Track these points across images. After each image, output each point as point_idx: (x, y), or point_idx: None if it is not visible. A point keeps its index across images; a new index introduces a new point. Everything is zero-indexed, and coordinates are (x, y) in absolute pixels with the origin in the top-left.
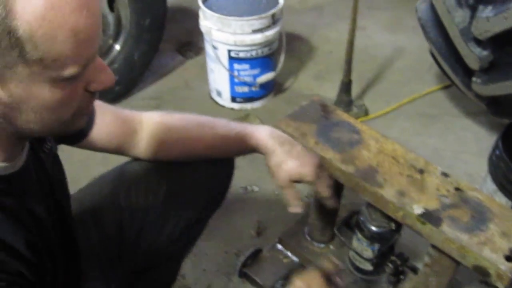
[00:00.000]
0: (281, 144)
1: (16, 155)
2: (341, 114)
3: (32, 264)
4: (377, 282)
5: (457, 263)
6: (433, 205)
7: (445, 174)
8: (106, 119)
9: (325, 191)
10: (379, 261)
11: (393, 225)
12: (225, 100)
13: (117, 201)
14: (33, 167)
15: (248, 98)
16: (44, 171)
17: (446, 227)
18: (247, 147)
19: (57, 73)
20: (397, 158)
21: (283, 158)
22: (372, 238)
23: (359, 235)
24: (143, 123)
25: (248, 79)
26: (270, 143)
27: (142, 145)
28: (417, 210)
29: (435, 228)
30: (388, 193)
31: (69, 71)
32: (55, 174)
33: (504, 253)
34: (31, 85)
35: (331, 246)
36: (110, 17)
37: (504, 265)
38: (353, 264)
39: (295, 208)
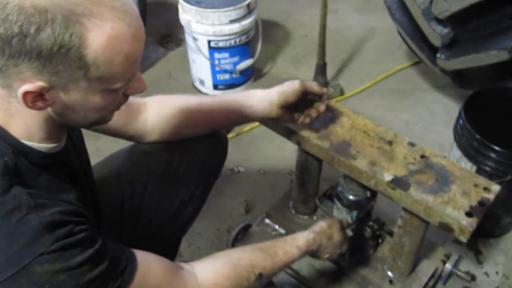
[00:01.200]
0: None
1: (61, 138)
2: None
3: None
4: (358, 246)
5: (426, 222)
6: (401, 172)
7: (411, 144)
8: None
9: (318, 89)
10: (358, 227)
11: (368, 193)
12: (207, 88)
13: (120, 176)
14: (70, 144)
15: (230, 85)
16: (74, 145)
17: (413, 191)
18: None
19: (108, 87)
20: (368, 132)
21: (264, 96)
22: (350, 206)
23: (339, 204)
24: (146, 103)
25: (229, 67)
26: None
27: (148, 123)
28: (387, 177)
29: (404, 192)
30: (361, 164)
31: (118, 85)
32: (80, 146)
33: (465, 210)
34: (88, 94)
35: (315, 217)
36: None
37: (465, 220)
38: None
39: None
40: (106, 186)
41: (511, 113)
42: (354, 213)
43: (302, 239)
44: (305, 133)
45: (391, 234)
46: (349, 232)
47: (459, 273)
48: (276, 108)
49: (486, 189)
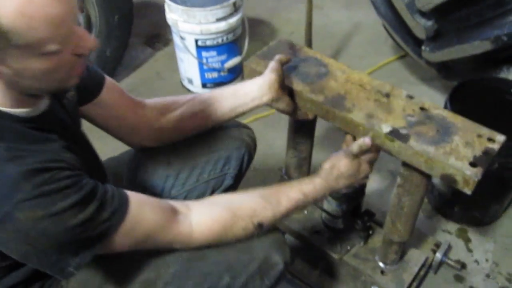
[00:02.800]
0: None
1: (35, 103)
2: (308, 51)
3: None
4: (349, 238)
5: (427, 177)
6: (400, 123)
7: (410, 97)
8: (116, 87)
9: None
10: (348, 219)
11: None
12: (196, 86)
13: (135, 170)
14: (56, 110)
15: (218, 83)
16: (67, 113)
17: (413, 142)
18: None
19: (41, 50)
20: (364, 85)
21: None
22: (339, 198)
23: (329, 197)
24: (145, 102)
25: (217, 65)
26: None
27: (149, 112)
28: (386, 129)
29: (403, 144)
30: (357, 116)
31: (50, 47)
32: (76, 116)
33: (469, 160)
34: (24, 60)
35: (305, 211)
36: (80, 17)
37: (469, 170)
38: (325, 224)
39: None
40: (119, 177)
41: (496, 102)
42: (344, 206)
43: (308, 185)
44: (298, 87)
45: (380, 225)
46: (339, 225)
47: (449, 261)
48: (275, 89)
49: (490, 139)
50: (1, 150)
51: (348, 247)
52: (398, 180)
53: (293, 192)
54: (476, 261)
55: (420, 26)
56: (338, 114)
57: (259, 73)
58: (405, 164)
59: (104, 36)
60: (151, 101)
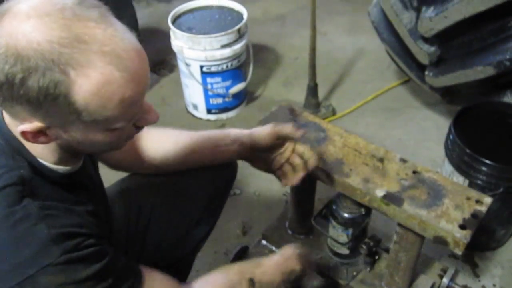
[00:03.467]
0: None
1: (76, 161)
2: (307, 116)
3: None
4: (355, 264)
5: (421, 237)
6: (394, 187)
7: (403, 160)
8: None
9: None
10: (354, 245)
11: (363, 210)
12: (201, 112)
13: (127, 197)
14: (87, 165)
15: (223, 109)
16: (93, 165)
17: (407, 206)
18: (227, 141)
19: (107, 127)
20: (359, 150)
21: (258, 129)
22: (345, 223)
23: (334, 223)
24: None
25: (221, 91)
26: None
27: (146, 151)
28: (380, 193)
29: (397, 207)
30: (355, 181)
31: (118, 125)
32: (97, 172)
33: (459, 223)
34: (87, 133)
35: (311, 236)
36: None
37: (459, 233)
38: (331, 250)
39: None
40: (112, 206)
41: (500, 126)
42: (350, 231)
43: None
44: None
45: (387, 250)
46: (345, 250)
47: (456, 287)
48: (248, 149)
49: (478, 201)
50: (34, 207)
51: (354, 273)
52: (394, 237)
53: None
54: (483, 287)
55: (423, 52)
56: (337, 179)
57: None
58: (400, 224)
59: None
60: (153, 144)
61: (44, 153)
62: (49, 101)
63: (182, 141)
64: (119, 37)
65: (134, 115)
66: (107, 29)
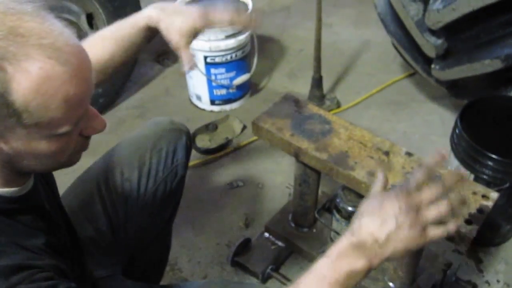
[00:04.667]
0: (163, 9)
1: (25, 180)
2: (312, 108)
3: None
4: None
5: None
6: (399, 181)
7: (409, 154)
8: None
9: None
10: None
11: None
12: (204, 103)
13: (100, 194)
14: (40, 182)
15: (227, 100)
16: (46, 181)
17: None
18: (144, 31)
19: (51, 132)
20: (365, 143)
21: (168, 20)
22: (349, 217)
23: (338, 216)
24: None
25: (225, 82)
26: (154, 13)
27: None
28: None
29: None
30: (359, 174)
31: (62, 129)
32: (51, 181)
33: (464, 217)
34: (30, 141)
35: (314, 230)
36: (90, 34)
37: (464, 228)
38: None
39: (187, 66)
40: (90, 208)
41: (507, 121)
42: None
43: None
44: (303, 145)
45: None
46: None
47: (460, 282)
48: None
49: (484, 196)
50: None
51: None
52: None
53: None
54: (487, 282)
55: (430, 45)
56: (342, 172)
57: (267, 131)
58: None
59: None
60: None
61: None
62: None
63: (109, 48)
64: (58, 30)
65: (79, 119)
66: (44, 22)
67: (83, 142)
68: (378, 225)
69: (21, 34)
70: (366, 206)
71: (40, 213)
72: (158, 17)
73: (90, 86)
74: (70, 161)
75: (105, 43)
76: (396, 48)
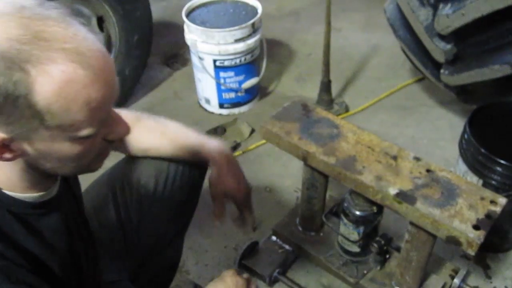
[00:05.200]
0: (228, 161)
1: (50, 185)
2: (320, 112)
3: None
4: (365, 262)
5: (433, 236)
6: (407, 186)
7: (417, 158)
8: None
9: (250, 215)
10: (365, 243)
11: (374, 208)
12: (213, 107)
13: (115, 199)
14: (65, 191)
15: (235, 103)
16: (70, 189)
17: (420, 205)
18: (199, 157)
19: (74, 134)
20: (373, 147)
21: (225, 174)
22: (356, 221)
23: (345, 220)
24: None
25: (234, 86)
26: (217, 157)
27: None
28: (393, 191)
29: (410, 206)
30: (367, 178)
31: (85, 132)
32: (77, 191)
33: (472, 223)
34: (53, 143)
35: (321, 234)
36: (100, 37)
37: (472, 233)
38: (342, 247)
39: (217, 220)
40: (102, 213)
41: None
42: (361, 229)
43: None
44: (311, 149)
45: (398, 249)
46: (356, 248)
47: None
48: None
49: (492, 202)
50: None
51: (365, 271)
52: (406, 236)
53: None
54: None
55: (439, 49)
56: (350, 176)
57: (275, 135)
58: (413, 223)
59: (124, 55)
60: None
61: (9, 181)
62: (9, 103)
63: (162, 147)
64: (82, 36)
65: (102, 123)
66: (68, 28)
67: (106, 147)
68: None
69: (45, 38)
70: (210, 284)
71: (65, 217)
72: (218, 164)
73: (113, 90)
74: (93, 166)
75: (163, 141)
76: (405, 53)
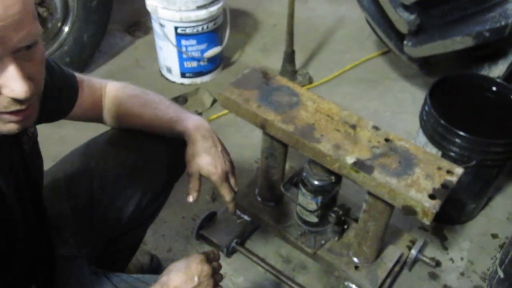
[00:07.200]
0: (203, 138)
1: None
2: (280, 80)
3: None
4: (323, 232)
5: (390, 206)
6: (365, 155)
7: (376, 128)
8: (83, 96)
9: (227, 196)
10: (323, 213)
11: (333, 178)
12: (175, 76)
13: (89, 171)
14: (8, 149)
15: (197, 73)
16: (21, 152)
17: (377, 174)
18: (175, 132)
19: None
20: (332, 116)
21: (200, 152)
22: (315, 191)
23: (303, 190)
24: (105, 95)
25: (196, 54)
26: (193, 133)
27: (104, 115)
28: (351, 160)
29: (367, 175)
30: (325, 147)
31: None
32: (33, 157)
33: (428, 192)
34: None
35: (280, 204)
36: (58, 0)
37: (428, 203)
38: (300, 218)
39: (191, 197)
40: (73, 184)
41: (476, 99)
42: (319, 199)
43: None
44: (270, 117)
45: (356, 220)
46: (314, 218)
47: (424, 258)
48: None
49: (449, 172)
50: None
51: (323, 242)
52: (364, 206)
53: None
54: (451, 259)
55: (403, 20)
56: (307, 144)
57: (233, 102)
58: (370, 193)
59: (82, 20)
60: (107, 98)
61: None
62: None
63: (143, 116)
64: None
65: None
66: None
67: (8, 104)
68: (183, 281)
69: None
70: (175, 264)
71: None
72: (194, 140)
73: (9, 29)
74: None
75: (144, 112)
76: (369, 24)
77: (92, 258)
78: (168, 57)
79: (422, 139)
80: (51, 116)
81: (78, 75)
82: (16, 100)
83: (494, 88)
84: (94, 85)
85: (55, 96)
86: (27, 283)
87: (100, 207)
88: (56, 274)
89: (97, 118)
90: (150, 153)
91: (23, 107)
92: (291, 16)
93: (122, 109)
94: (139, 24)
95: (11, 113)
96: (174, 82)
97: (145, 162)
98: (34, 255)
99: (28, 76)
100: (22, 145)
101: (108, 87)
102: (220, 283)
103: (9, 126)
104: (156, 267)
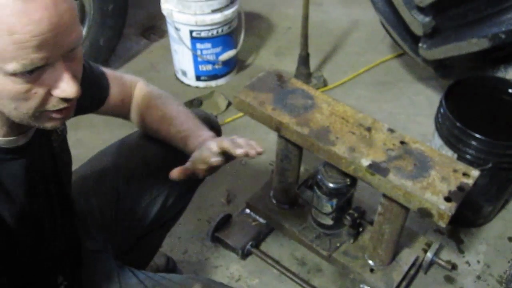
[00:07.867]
0: (207, 148)
1: (18, 133)
2: (295, 82)
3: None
4: (338, 235)
5: (406, 208)
6: (380, 157)
7: (391, 130)
8: (114, 90)
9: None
10: (338, 215)
11: (348, 180)
12: (190, 79)
13: (117, 170)
14: (39, 146)
15: (212, 76)
16: (51, 148)
17: (392, 176)
18: (187, 150)
19: (1, 65)
20: (347, 118)
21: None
22: (330, 193)
23: (318, 193)
24: (133, 96)
25: (211, 58)
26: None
27: (131, 115)
28: (366, 163)
29: (382, 177)
30: (340, 150)
31: (11, 67)
32: (61, 155)
33: (444, 195)
34: None
35: (295, 207)
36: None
37: (444, 205)
38: (315, 220)
39: (174, 175)
40: (101, 182)
41: (492, 101)
42: (334, 201)
43: None
44: (285, 120)
45: (371, 223)
46: (329, 221)
47: (440, 262)
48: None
49: (465, 174)
50: None
51: (338, 244)
52: (379, 208)
53: None
54: (468, 263)
55: (418, 22)
56: (322, 147)
57: (248, 105)
58: (385, 195)
59: (98, 25)
60: (136, 98)
61: None
62: None
63: (160, 132)
64: None
65: (34, 65)
66: None
67: (56, 104)
68: None
69: None
70: None
71: (25, 170)
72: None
73: (42, 31)
74: (43, 121)
75: (160, 128)
76: (384, 27)
77: (117, 256)
78: (183, 60)
79: (438, 141)
80: (83, 110)
81: (109, 71)
82: (64, 99)
83: (510, 91)
84: (125, 83)
85: (87, 92)
86: (54, 274)
87: (125, 205)
88: (83, 266)
89: (124, 115)
90: (176, 153)
91: (68, 105)
92: (305, 19)
93: (142, 120)
94: (155, 28)
95: (57, 111)
96: (189, 85)
97: (172, 162)
98: (61, 247)
99: (73, 75)
100: (52, 143)
101: (137, 89)
102: (235, 285)
103: (53, 123)
104: (172, 269)
